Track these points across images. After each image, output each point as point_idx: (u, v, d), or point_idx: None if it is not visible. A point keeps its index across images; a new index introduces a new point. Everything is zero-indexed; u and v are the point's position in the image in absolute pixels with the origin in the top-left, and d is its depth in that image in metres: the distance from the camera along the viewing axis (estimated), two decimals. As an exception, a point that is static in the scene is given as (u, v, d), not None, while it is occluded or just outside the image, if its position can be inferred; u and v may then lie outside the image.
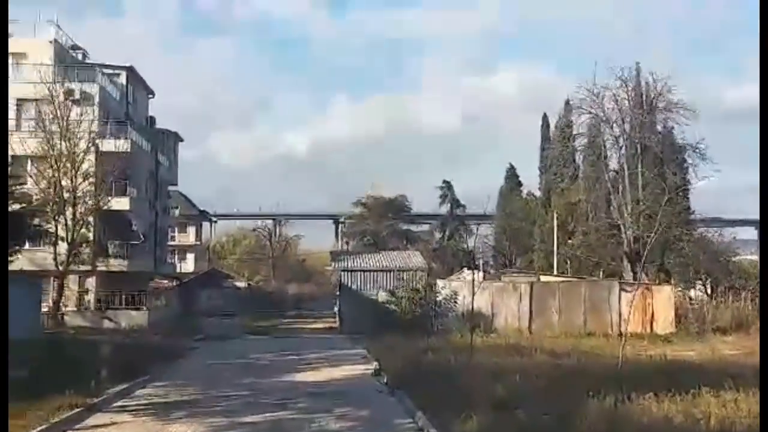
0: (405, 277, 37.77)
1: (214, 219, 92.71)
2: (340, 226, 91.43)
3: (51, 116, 37.51)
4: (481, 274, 47.89)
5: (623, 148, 48.80)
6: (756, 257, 68.29)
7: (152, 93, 52.36)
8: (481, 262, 59.24)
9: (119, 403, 15.13)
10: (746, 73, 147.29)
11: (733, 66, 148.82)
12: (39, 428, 11.52)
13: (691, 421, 10.73)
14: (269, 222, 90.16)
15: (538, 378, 14.76)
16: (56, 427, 12.00)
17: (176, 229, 74.94)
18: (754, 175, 10.70)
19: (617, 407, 11.11)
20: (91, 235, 39.04)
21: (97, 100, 40.76)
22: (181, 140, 56.51)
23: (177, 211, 65.66)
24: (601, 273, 52.24)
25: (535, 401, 11.97)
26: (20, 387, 13.41)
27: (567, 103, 59.05)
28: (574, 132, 55.79)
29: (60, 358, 17.82)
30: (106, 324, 38.24)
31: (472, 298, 20.54)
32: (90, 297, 41.12)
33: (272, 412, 13.94)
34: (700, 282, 48.55)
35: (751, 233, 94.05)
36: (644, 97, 49.21)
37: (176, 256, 71.48)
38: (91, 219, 38.42)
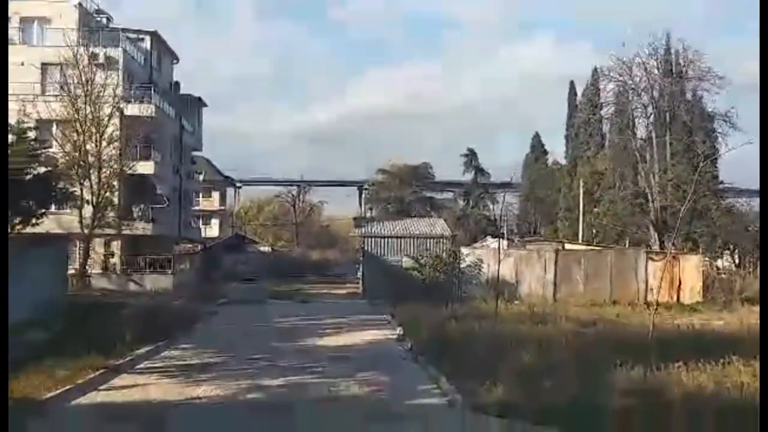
0: (429, 244, 37.56)
1: (238, 185, 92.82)
2: (363, 192, 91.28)
3: (76, 80, 37.57)
4: (505, 242, 47.67)
5: (651, 116, 48.08)
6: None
7: (177, 58, 52.21)
8: (505, 230, 58.83)
9: (143, 365, 15.18)
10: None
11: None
12: (63, 388, 11.54)
13: (722, 391, 10.46)
14: (293, 189, 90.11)
15: (565, 347, 14.54)
16: (81, 388, 12.04)
17: (201, 194, 75.22)
18: None
19: (647, 377, 10.85)
20: (116, 199, 39.22)
21: (121, 64, 40.74)
22: (205, 105, 56.39)
23: (201, 177, 65.76)
24: (626, 242, 51.77)
25: (562, 371, 11.75)
26: (45, 347, 13.50)
27: (595, 71, 58.35)
28: (602, 100, 54.91)
29: (85, 319, 17.91)
30: (132, 287, 38.58)
31: (498, 266, 20.27)
32: (115, 260, 41.40)
33: (295, 376, 13.93)
34: (727, 252, 47.96)
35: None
36: (674, 65, 48.41)
37: (201, 221, 71.77)
38: (115, 183, 38.58)
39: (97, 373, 13.08)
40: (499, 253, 22.09)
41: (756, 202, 57.56)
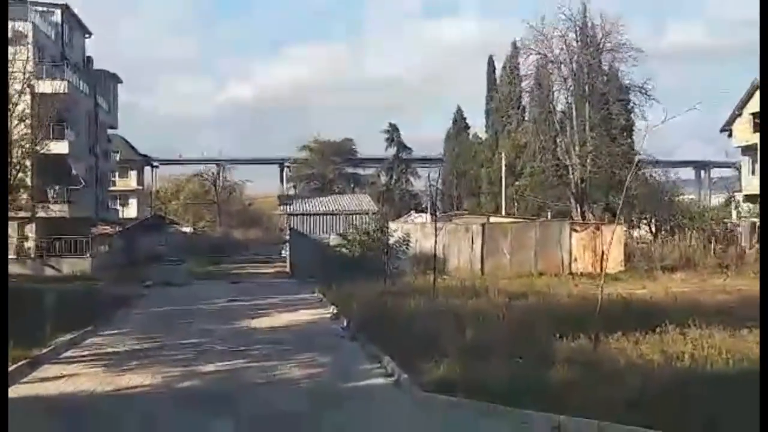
0: (356, 221, 37.29)
1: (156, 164, 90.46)
2: (285, 170, 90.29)
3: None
4: (429, 216, 47.77)
5: (571, 88, 48.67)
6: (695, 197, 70.03)
7: (89, 33, 50.15)
8: (429, 204, 59.04)
9: (68, 354, 14.42)
10: (685, 11, 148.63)
11: (677, 7, 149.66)
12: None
13: (669, 362, 10.51)
14: (213, 168, 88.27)
15: (502, 320, 14.47)
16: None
17: (117, 174, 72.88)
18: (694, 116, 10.40)
19: (591, 348, 10.82)
20: (28, 180, 37.49)
21: (30, 38, 38.74)
22: (120, 82, 54.56)
23: (118, 156, 63.59)
24: (548, 214, 52.58)
25: (506, 344, 11.62)
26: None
27: (514, 45, 58.86)
28: (522, 73, 55.36)
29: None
30: (48, 272, 37.18)
31: (435, 240, 20.09)
32: (30, 244, 39.74)
33: (229, 360, 13.44)
34: (645, 221, 49.15)
35: (689, 173, 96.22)
36: (590, 37, 49.05)
37: (118, 202, 69.64)
38: (28, 163, 36.80)
39: (18, 364, 12.28)
40: (435, 227, 21.88)
41: (672, 172, 59.51)
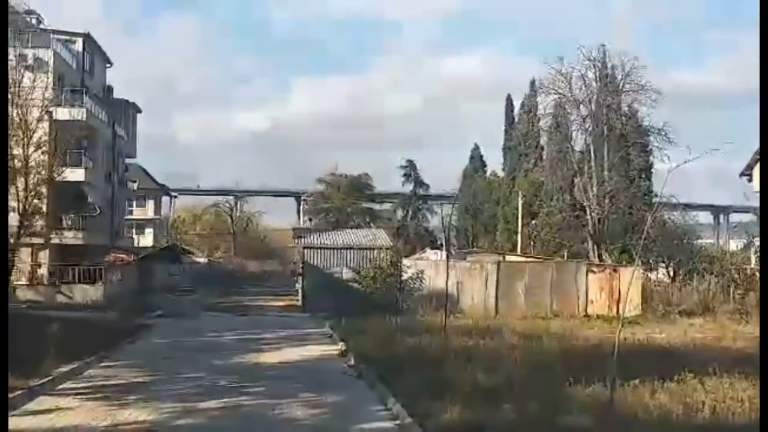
0: (369, 256, 36.93)
1: (174, 194, 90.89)
2: (302, 203, 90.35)
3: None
4: (443, 253, 47.31)
5: (589, 128, 48.36)
6: (713, 240, 69.14)
7: (110, 62, 50.63)
8: (444, 241, 58.64)
9: (66, 385, 14.05)
10: (706, 58, 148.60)
11: (694, 51, 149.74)
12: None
13: (688, 414, 10.02)
14: (230, 198, 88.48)
15: (516, 363, 14.01)
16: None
17: (134, 202, 73.21)
18: (713, 161, 10.12)
19: (606, 396, 10.33)
20: (44, 207, 37.50)
21: (51, 66, 39.10)
22: (140, 111, 54.87)
23: (135, 185, 63.86)
24: (565, 254, 52.00)
25: (520, 389, 11.16)
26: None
27: (533, 83, 58.83)
28: (540, 112, 55.21)
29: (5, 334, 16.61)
30: (60, 298, 37.01)
31: (447, 278, 19.68)
32: (43, 270, 39.67)
33: (232, 397, 13.02)
34: (662, 264, 48.46)
35: (707, 217, 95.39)
36: (610, 78, 48.88)
37: (134, 231, 69.80)
38: (44, 190, 36.86)
39: (13, 395, 11.85)
40: (447, 264, 21.48)
41: (690, 216, 58.78)
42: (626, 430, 8.80)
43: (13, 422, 10.58)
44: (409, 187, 75.82)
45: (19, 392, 12.21)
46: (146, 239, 74.59)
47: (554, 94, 48.68)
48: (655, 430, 8.76)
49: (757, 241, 50.43)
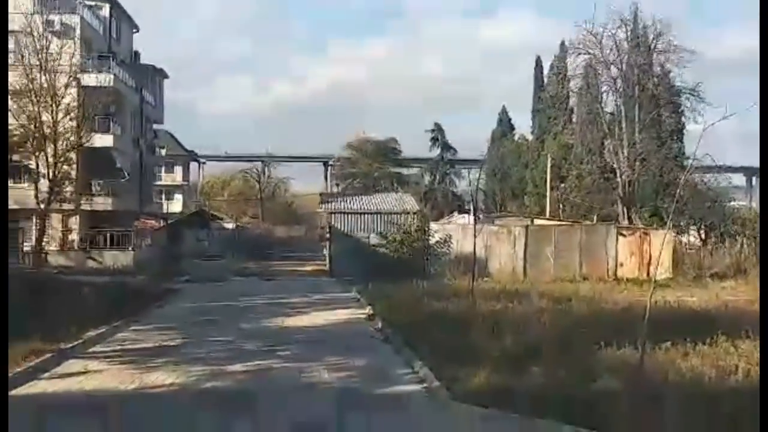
0: (397, 220, 36.81)
1: (202, 160, 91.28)
2: (329, 168, 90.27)
3: (30, 49, 35.91)
4: (471, 217, 47.05)
5: (620, 89, 47.56)
6: (746, 203, 68.12)
7: (137, 28, 50.59)
8: (472, 206, 58.34)
9: (95, 348, 14.14)
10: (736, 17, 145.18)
11: (729, 12, 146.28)
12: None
13: (721, 377, 9.81)
14: (258, 165, 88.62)
15: (545, 326, 13.84)
16: (22, 376, 10.97)
17: (163, 168, 73.60)
18: (747, 121, 9.73)
19: (637, 359, 10.13)
20: (73, 173, 37.78)
21: (78, 32, 39.18)
22: (167, 77, 54.80)
23: (164, 151, 64.06)
24: (594, 217, 51.51)
25: (547, 353, 11.00)
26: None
27: (562, 44, 57.89)
28: (570, 74, 54.39)
29: (36, 298, 16.78)
30: (91, 264, 37.44)
31: (474, 241, 19.46)
32: (74, 236, 40.09)
33: (259, 360, 13.02)
34: (694, 227, 47.86)
35: (740, 179, 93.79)
36: (641, 38, 47.93)
37: (163, 196, 70.27)
38: (73, 156, 37.08)
39: (43, 358, 12.03)
40: (475, 228, 21.24)
41: (723, 177, 57.87)
42: (657, 392, 8.61)
43: (41, 385, 10.72)
44: (436, 152, 75.40)
45: (49, 355, 12.33)
46: (175, 205, 75.14)
47: (584, 54, 48.00)
48: (687, 393, 8.55)
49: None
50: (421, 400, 10.17)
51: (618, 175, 46.81)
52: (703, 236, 47.37)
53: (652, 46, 47.27)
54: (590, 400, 8.58)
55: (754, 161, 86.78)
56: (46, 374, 11.55)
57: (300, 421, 9.07)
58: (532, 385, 9.37)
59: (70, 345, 13.52)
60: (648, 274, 32.62)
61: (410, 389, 10.81)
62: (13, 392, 10.05)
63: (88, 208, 39.75)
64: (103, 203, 40.82)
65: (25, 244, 36.76)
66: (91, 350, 13.96)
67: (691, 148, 50.12)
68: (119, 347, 14.51)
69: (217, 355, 13.59)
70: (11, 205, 33.00)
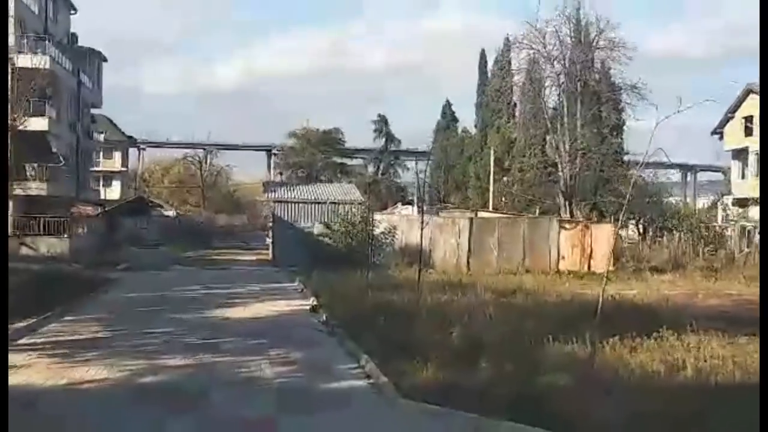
0: (341, 210, 36.46)
1: (142, 146, 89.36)
2: (273, 157, 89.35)
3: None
4: (415, 209, 47.00)
5: (563, 85, 47.92)
6: (680, 198, 69.71)
7: (74, 9, 48.99)
8: (415, 197, 58.41)
9: (21, 341, 13.42)
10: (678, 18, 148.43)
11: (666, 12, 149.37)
12: None
13: (671, 372, 9.74)
14: (200, 152, 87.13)
15: (491, 319, 13.68)
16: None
17: (101, 154, 71.71)
18: (682, 120, 9.74)
19: (586, 354, 10.01)
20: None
21: (12, 11, 37.63)
22: (105, 60, 53.28)
23: (102, 136, 62.38)
24: (536, 210, 51.99)
25: (497, 347, 10.80)
26: None
27: (507, 39, 58.21)
28: (514, 68, 54.77)
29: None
30: (24, 251, 36.14)
31: (421, 233, 19.20)
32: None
33: (198, 354, 12.53)
34: (633, 221, 48.68)
35: (676, 176, 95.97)
36: (584, 34, 48.37)
37: (101, 182, 68.49)
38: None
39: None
40: (422, 219, 21.00)
41: (660, 174, 59.00)
42: (610, 390, 8.46)
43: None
44: (380, 143, 75.26)
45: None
46: (113, 192, 73.35)
47: (528, 49, 48.16)
48: (640, 391, 8.43)
49: (725, 199, 51.12)
50: (367, 396, 9.83)
51: (560, 169, 47.20)
52: (641, 230, 48.22)
53: (595, 43, 47.70)
54: (541, 396, 8.39)
55: (689, 158, 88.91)
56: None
57: (240, 419, 8.69)
58: (481, 380, 9.14)
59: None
60: (589, 267, 32.97)
61: (356, 384, 10.48)
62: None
63: (22, 193, 38.38)
64: (37, 188, 39.47)
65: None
66: (17, 343, 13.21)
67: (631, 144, 51.27)
68: (49, 339, 13.84)
69: (154, 348, 13.06)
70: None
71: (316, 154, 72.18)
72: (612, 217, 45.41)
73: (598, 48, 47.88)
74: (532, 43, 47.32)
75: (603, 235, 34.34)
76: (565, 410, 7.83)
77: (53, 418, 8.70)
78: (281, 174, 75.72)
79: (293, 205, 39.36)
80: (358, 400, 9.64)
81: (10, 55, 35.36)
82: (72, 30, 49.34)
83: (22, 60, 37.21)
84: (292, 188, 43.86)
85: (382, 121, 75.06)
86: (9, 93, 34.44)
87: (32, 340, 13.67)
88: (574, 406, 7.90)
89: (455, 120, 73.93)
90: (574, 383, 8.83)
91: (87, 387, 10.13)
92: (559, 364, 9.82)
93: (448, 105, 74.28)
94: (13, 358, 11.59)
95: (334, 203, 38.70)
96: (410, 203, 57.82)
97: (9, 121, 34.78)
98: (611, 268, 32.99)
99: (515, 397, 8.35)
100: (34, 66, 37.59)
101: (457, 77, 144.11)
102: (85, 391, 9.97)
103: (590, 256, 33.72)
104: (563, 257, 33.78)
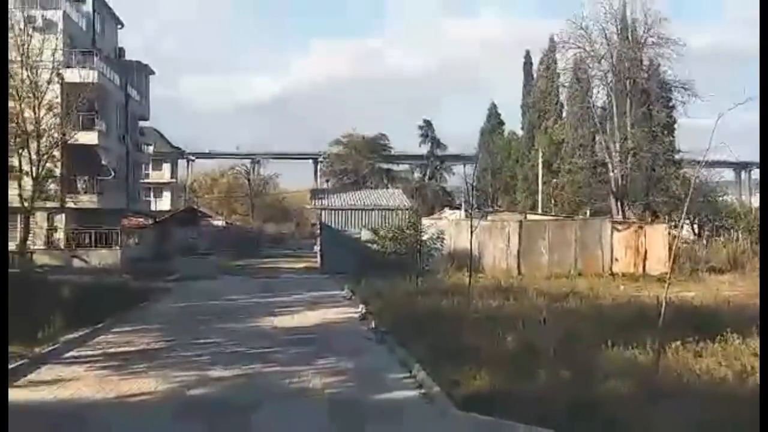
0: (387, 216, 36.21)
1: (192, 158, 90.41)
2: (319, 165, 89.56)
3: (11, 44, 35.08)
4: (462, 213, 46.51)
5: (611, 84, 47.06)
6: (735, 197, 67.93)
7: (121, 23, 49.73)
8: (462, 201, 57.89)
9: (73, 353, 13.41)
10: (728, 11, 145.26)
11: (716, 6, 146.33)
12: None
13: (739, 378, 9.24)
14: (247, 162, 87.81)
15: (545, 325, 13.23)
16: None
17: (151, 166, 72.68)
18: (734, 116, 9.21)
19: (647, 360, 9.56)
20: (57, 170, 37.00)
21: (60, 27, 38.33)
22: (152, 73, 53.91)
23: (151, 148, 63.18)
24: (587, 212, 51.13)
25: (553, 353, 10.39)
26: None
27: (552, 40, 57.51)
28: (560, 68, 53.96)
29: (17, 299, 16.03)
30: (77, 263, 36.63)
31: (471, 238, 18.86)
32: (59, 235, 39.32)
33: (247, 364, 12.36)
34: (687, 221, 47.53)
35: (729, 174, 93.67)
36: (631, 31, 47.49)
37: (151, 194, 69.43)
38: (57, 153, 36.32)
39: (15, 364, 11.25)
40: (471, 223, 20.62)
41: (714, 172, 57.51)
42: (677, 398, 8.02)
43: (10, 394, 9.99)
44: (426, 148, 74.88)
45: (21, 362, 11.59)
46: (163, 203, 74.35)
47: (574, 49, 47.47)
48: (709, 398, 7.98)
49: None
50: (420, 407, 9.51)
51: (610, 169, 46.37)
52: (697, 230, 47.07)
53: (642, 40, 46.79)
54: (603, 405, 7.98)
55: (742, 156, 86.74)
56: (18, 382, 10.82)
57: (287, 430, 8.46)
58: (538, 389, 8.76)
59: (47, 349, 12.84)
60: (644, 269, 32.17)
61: (408, 395, 10.16)
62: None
63: (74, 206, 38.98)
64: (89, 201, 39.99)
65: (9, 243, 35.98)
66: (68, 355, 13.24)
67: (683, 141, 50.05)
68: (100, 351, 13.79)
69: (205, 359, 12.93)
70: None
71: (362, 161, 72.09)
72: (666, 217, 44.43)
73: (647, 45, 47.00)
74: (578, 42, 46.70)
75: (657, 236, 33.54)
76: (630, 420, 7.41)
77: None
78: (328, 181, 75.80)
79: (340, 212, 39.24)
80: (410, 412, 9.35)
81: (60, 70, 36.02)
82: (119, 44, 50.07)
83: (71, 75, 37.77)
84: (339, 195, 43.78)
85: (428, 126, 74.53)
86: (62, 107, 35.09)
87: (82, 352, 13.65)
88: (638, 415, 7.48)
89: (501, 123, 73.23)
90: (639, 390, 8.40)
91: (133, 401, 9.98)
92: (621, 370, 9.38)
93: (493, 108, 73.66)
94: (63, 371, 11.59)
95: (382, 209, 38.48)
96: (457, 207, 57.29)
97: (60, 135, 35.43)
98: (666, 269, 32.28)
99: (574, 406, 7.95)
100: (82, 80, 38.16)
101: (502, 80, 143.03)
102: (134, 404, 9.83)
103: (645, 258, 32.91)
104: (617, 259, 33.02)
